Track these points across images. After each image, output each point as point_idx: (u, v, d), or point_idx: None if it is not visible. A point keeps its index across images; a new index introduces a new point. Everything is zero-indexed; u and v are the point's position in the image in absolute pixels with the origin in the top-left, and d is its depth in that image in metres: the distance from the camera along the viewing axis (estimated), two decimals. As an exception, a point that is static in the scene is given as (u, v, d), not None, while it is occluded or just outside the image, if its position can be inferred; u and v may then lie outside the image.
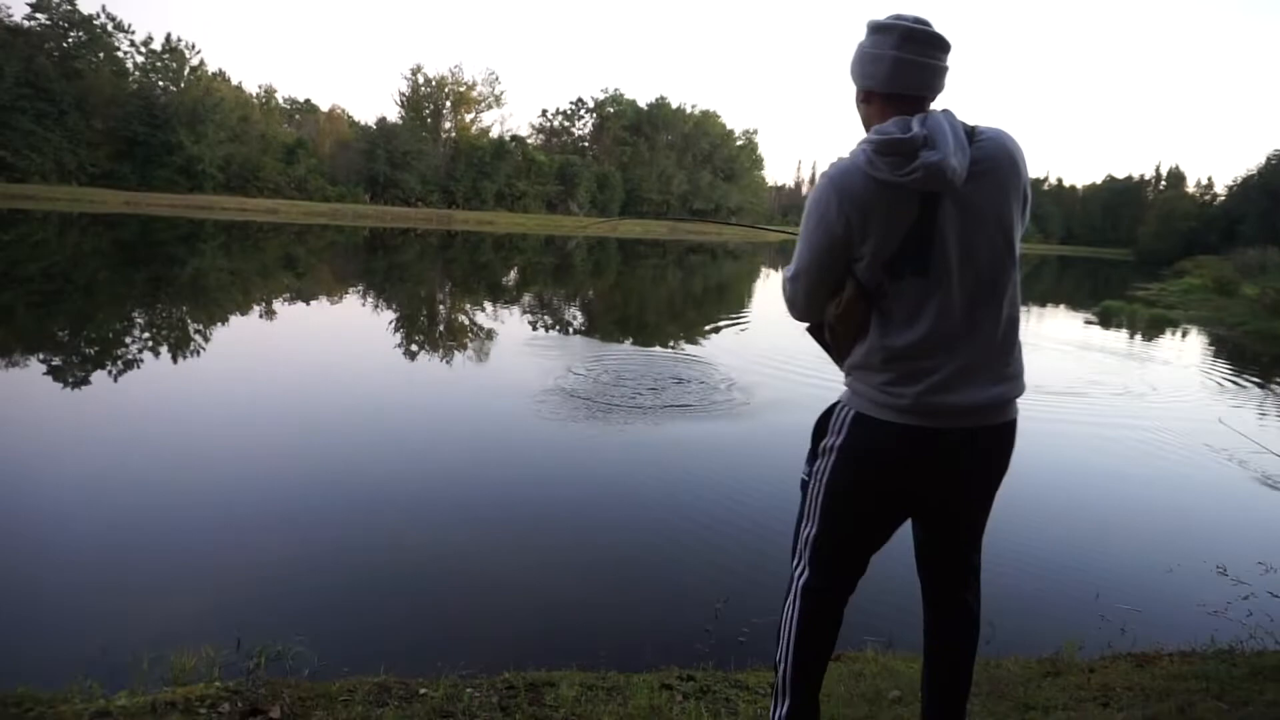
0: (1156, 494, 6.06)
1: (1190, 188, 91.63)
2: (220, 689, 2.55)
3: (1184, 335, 18.23)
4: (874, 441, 1.78)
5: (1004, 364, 1.78)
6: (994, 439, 1.81)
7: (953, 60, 1.77)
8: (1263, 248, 31.94)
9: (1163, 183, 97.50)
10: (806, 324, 1.97)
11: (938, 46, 1.72)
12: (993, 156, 1.72)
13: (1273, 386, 11.35)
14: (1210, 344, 16.79)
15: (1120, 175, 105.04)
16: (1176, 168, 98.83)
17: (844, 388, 1.88)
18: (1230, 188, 73.28)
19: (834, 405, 1.90)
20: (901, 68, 1.70)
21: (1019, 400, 1.83)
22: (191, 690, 2.54)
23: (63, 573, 3.78)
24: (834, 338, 1.85)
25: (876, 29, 1.75)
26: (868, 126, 1.80)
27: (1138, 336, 16.89)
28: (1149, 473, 6.48)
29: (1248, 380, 11.70)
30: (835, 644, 1.97)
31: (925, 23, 1.72)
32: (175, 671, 2.78)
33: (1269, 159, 62.82)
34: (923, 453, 1.75)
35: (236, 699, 2.48)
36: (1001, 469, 1.86)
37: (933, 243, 1.68)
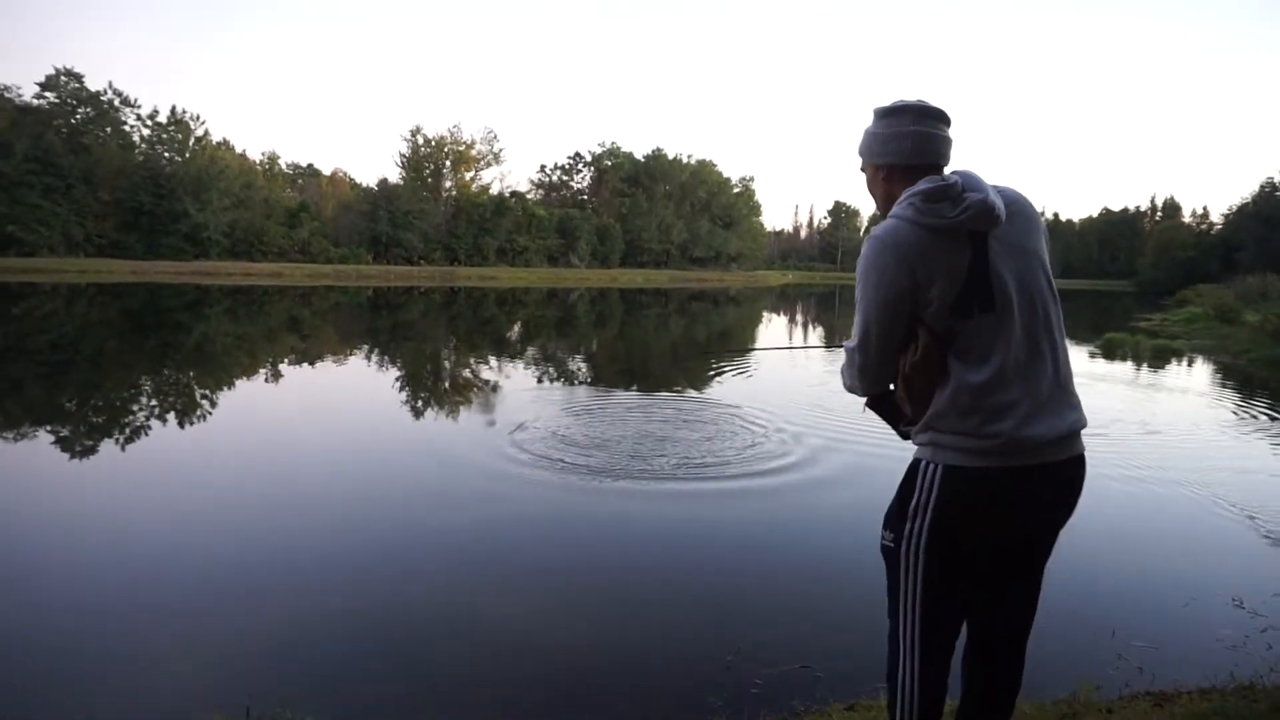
0: (1170, 529, 6.00)
1: (1186, 217, 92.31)
2: (228, 761, 2.53)
3: (1190, 365, 18.20)
4: (969, 491, 1.82)
5: (1069, 393, 1.88)
6: (1074, 472, 1.88)
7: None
8: (1262, 274, 32.01)
9: (1159, 213, 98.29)
10: (867, 396, 2.01)
11: (944, 120, 1.92)
12: (1016, 201, 1.88)
13: (1281, 413, 11.30)
14: (1217, 372, 16.75)
15: (1116, 207, 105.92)
16: (1172, 198, 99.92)
17: (919, 446, 1.90)
18: (1226, 216, 73.74)
19: (914, 465, 1.91)
20: (922, 141, 1.88)
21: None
22: (199, 763, 2.52)
23: (70, 644, 3.75)
24: (910, 391, 1.87)
25: (889, 112, 1.92)
26: (887, 201, 1.94)
27: (1144, 368, 16.85)
28: (1162, 508, 6.43)
29: (1259, 409, 11.65)
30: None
31: (925, 102, 1.91)
32: (183, 744, 2.75)
33: (1262, 186, 63.40)
34: (1017, 494, 1.81)
35: (245, 771, 2.46)
36: (1073, 506, 1.93)
37: (991, 278, 1.78)
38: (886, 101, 1.95)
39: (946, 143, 1.92)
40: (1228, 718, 2.84)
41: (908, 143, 1.88)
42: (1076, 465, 1.88)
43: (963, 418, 1.79)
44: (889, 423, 2.02)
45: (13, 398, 10.71)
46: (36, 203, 51.57)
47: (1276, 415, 11.13)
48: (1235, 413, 11.15)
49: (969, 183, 1.81)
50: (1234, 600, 4.45)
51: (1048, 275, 1.89)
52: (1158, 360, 18.27)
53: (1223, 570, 5.08)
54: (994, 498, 1.81)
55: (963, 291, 1.77)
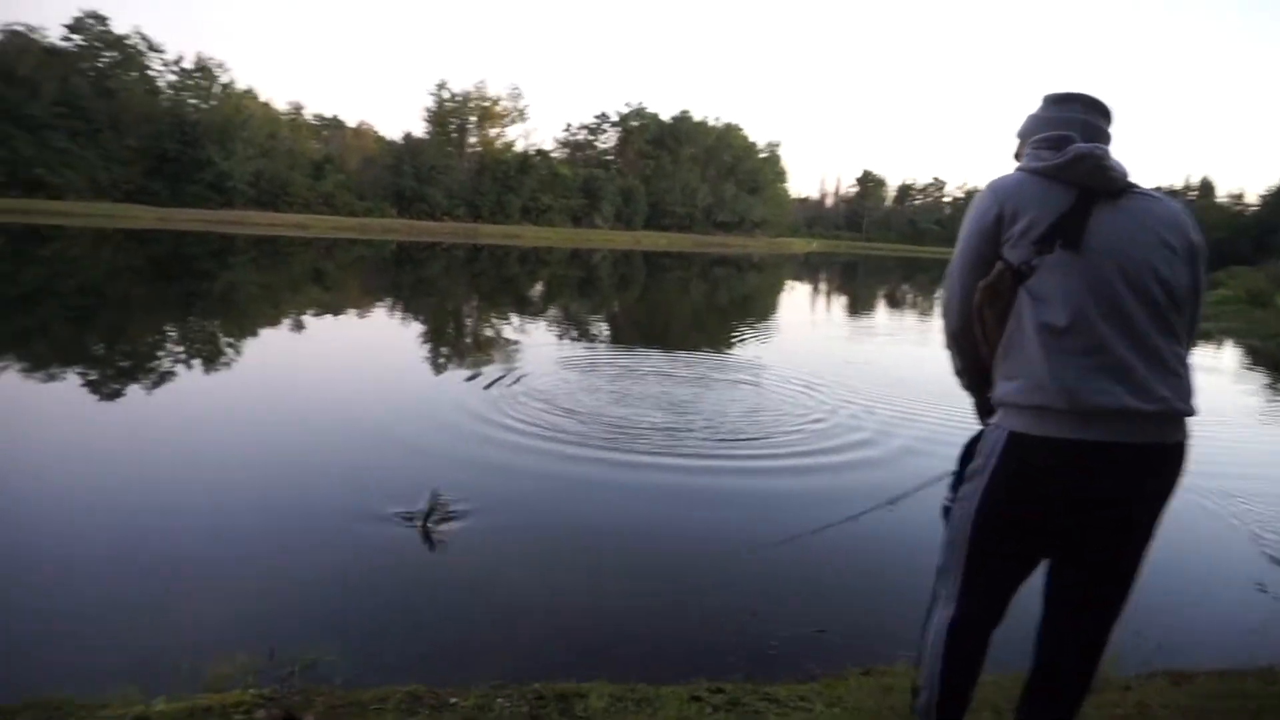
0: (1197, 515, 5.94)
1: (1221, 198, 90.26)
2: (255, 696, 2.59)
3: (1219, 347, 17.93)
4: (1031, 462, 1.75)
5: (1173, 374, 1.74)
6: (1162, 461, 1.76)
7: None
8: (1297, 259, 31.27)
9: (1192, 193, 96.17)
10: (957, 368, 2.03)
11: (1109, 117, 1.97)
12: (1168, 203, 1.89)
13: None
14: (1246, 356, 16.50)
15: (1149, 186, 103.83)
16: (1207, 178, 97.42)
17: (995, 415, 1.87)
18: (1263, 198, 71.94)
19: (983, 429, 1.91)
20: (1087, 131, 1.90)
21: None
22: (227, 697, 2.58)
23: (102, 582, 3.84)
24: (983, 326, 1.86)
25: (1061, 99, 1.96)
26: None
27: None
28: (1190, 493, 6.35)
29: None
30: (981, 670, 1.99)
31: (1094, 96, 1.96)
32: (211, 678, 2.81)
33: (1303, 168, 61.70)
34: (1085, 472, 1.71)
35: (271, 706, 2.52)
36: (1165, 499, 1.80)
37: (1086, 226, 1.75)
38: (1058, 89, 1.97)
39: (1108, 138, 1.94)
40: (1246, 699, 2.84)
41: (1075, 129, 1.89)
42: (1164, 454, 1.74)
43: (1033, 359, 1.72)
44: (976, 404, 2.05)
45: (40, 340, 10.86)
46: (64, 146, 51.76)
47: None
48: (1269, 399, 11.00)
49: (1092, 144, 1.83)
50: (1257, 585, 4.42)
51: (1173, 264, 1.77)
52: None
53: (1248, 557, 5.03)
54: (1055, 472, 1.71)
55: (1051, 226, 1.75)
